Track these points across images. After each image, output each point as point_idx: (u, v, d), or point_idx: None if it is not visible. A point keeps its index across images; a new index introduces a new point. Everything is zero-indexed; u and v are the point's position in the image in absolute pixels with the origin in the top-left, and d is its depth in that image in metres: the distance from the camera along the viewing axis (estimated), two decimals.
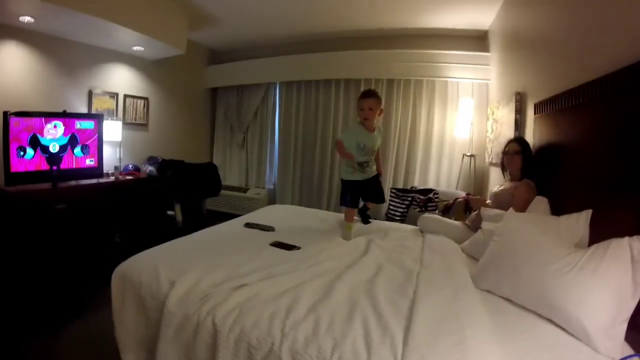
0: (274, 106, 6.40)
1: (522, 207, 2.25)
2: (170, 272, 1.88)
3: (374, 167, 3.10)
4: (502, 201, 2.59)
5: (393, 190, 4.74)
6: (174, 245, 2.43)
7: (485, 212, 2.52)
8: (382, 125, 3.39)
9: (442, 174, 5.22)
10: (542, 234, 1.71)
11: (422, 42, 5.17)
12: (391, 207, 4.66)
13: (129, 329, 1.93)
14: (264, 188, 6.46)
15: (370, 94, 2.87)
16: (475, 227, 2.65)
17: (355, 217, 3.16)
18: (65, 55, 4.43)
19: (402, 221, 4.28)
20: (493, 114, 4.15)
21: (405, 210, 4.49)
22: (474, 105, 4.82)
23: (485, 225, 2.35)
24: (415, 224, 3.18)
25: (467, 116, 4.75)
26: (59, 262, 3.45)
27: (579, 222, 1.74)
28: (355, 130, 2.95)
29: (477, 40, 4.99)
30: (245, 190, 6.39)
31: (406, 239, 2.75)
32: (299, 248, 2.39)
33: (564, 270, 1.47)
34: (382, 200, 3.23)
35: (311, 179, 6.02)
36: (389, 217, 4.57)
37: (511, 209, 2.18)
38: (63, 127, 4.04)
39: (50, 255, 3.42)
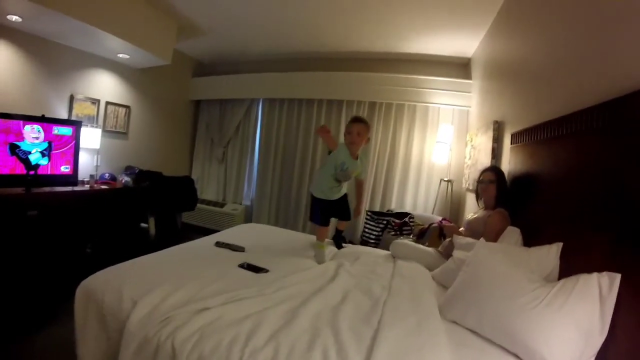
0: (256, 122, 6.37)
1: (494, 236, 2.25)
2: (134, 291, 1.83)
3: (344, 190, 3.09)
4: (475, 229, 2.61)
5: (369, 213, 4.73)
6: (141, 262, 2.37)
7: (458, 240, 2.52)
8: (365, 156, 3.40)
9: (419, 198, 5.22)
10: (511, 266, 1.70)
11: (406, 67, 5.26)
12: (366, 230, 4.65)
13: (90, 346, 1.87)
14: (241, 204, 6.39)
15: (360, 120, 2.87)
16: (447, 254, 2.63)
17: (328, 240, 3.11)
18: (49, 57, 4.36)
19: (376, 244, 4.29)
20: (472, 140, 4.20)
21: (380, 233, 4.47)
22: (454, 131, 4.88)
23: (456, 253, 2.34)
24: (389, 248, 3.13)
25: (447, 142, 4.79)
26: (30, 268, 3.37)
27: (550, 254, 1.74)
28: (343, 149, 2.90)
29: (460, 67, 5.10)
30: (222, 205, 6.32)
31: (377, 265, 2.71)
32: (267, 271, 2.32)
33: (531, 304, 1.46)
34: (349, 218, 3.20)
35: (289, 197, 5.99)
36: (364, 240, 4.56)
37: (482, 239, 2.17)
38: (43, 133, 3.95)
39: (22, 261, 3.33)
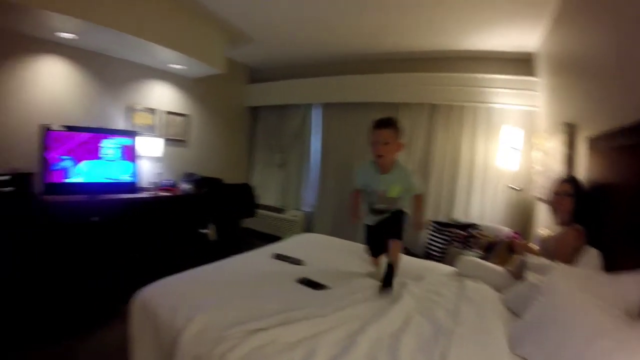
0: (313, 127, 6.30)
1: (568, 257, 2.04)
2: (189, 307, 1.84)
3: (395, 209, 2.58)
4: (548, 247, 2.35)
5: (433, 224, 4.51)
6: (198, 274, 2.38)
7: (531, 260, 2.26)
8: (403, 167, 2.58)
9: (486, 207, 4.84)
10: (591, 298, 1.48)
11: (464, 65, 4.96)
12: (430, 242, 4.44)
13: (144, 356, 1.92)
14: (301, 210, 6.34)
15: (385, 124, 2.41)
16: (518, 275, 2.37)
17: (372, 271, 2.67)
18: (106, 70, 4.55)
19: (440, 258, 4.07)
20: (541, 144, 3.85)
21: (445, 246, 4.22)
22: (520, 134, 4.51)
23: (529, 276, 2.09)
24: (453, 262, 2.90)
25: (513, 146, 4.46)
26: (89, 272, 3.51)
27: (634, 284, 1.48)
28: (366, 168, 2.58)
29: (522, 63, 4.68)
30: (282, 211, 6.32)
31: (442, 285, 2.49)
32: (326, 287, 2.24)
33: (614, 350, 1.22)
34: (398, 235, 2.51)
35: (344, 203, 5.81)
36: (428, 253, 4.35)
37: (558, 263, 1.97)
38: (113, 144, 4.17)
39: (82, 265, 3.48)
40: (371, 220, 2.65)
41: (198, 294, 2.01)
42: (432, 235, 4.42)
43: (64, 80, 4.18)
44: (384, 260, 2.52)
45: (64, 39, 3.95)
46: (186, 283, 2.19)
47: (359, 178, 2.62)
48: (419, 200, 2.62)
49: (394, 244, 2.44)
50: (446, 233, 4.26)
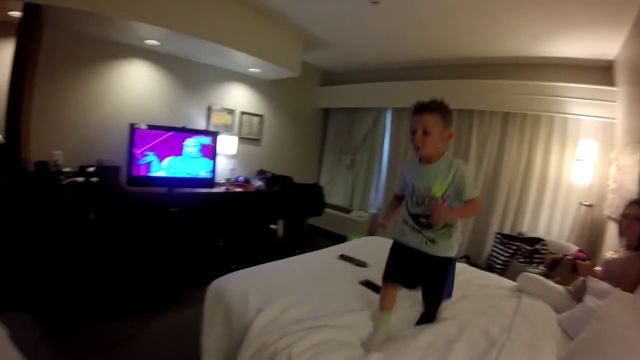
0: (384, 131, 6.35)
1: (632, 283, 1.98)
2: (259, 300, 2.02)
3: (441, 243, 1.97)
4: (613, 272, 2.26)
5: (498, 236, 4.41)
6: (268, 269, 2.56)
7: (591, 283, 2.18)
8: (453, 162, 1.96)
9: (554, 222, 4.62)
10: None
11: (540, 73, 4.74)
12: (493, 254, 4.35)
13: (213, 338, 2.12)
14: (367, 212, 6.41)
15: (427, 108, 1.91)
16: (578, 296, 2.29)
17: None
18: (187, 74, 4.93)
19: (502, 271, 3.99)
20: (617, 159, 3.61)
21: (508, 259, 4.09)
22: (596, 148, 4.27)
23: (587, 299, 2.05)
24: (515, 277, 2.80)
25: (588, 160, 4.23)
26: (166, 258, 3.80)
27: None
28: (409, 164, 2.17)
29: (601, 71, 4.38)
30: (348, 211, 6.43)
31: (500, 299, 2.46)
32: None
33: None
34: (436, 300, 2.05)
35: None
36: (489, 265, 4.28)
37: (618, 290, 1.91)
38: (194, 142, 4.51)
39: (160, 251, 3.77)
40: (404, 237, 2.10)
41: (268, 288, 2.18)
42: (496, 247, 4.33)
43: (150, 83, 4.61)
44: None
45: (150, 45, 4.34)
46: (257, 277, 2.37)
47: (401, 178, 2.19)
48: (468, 207, 1.92)
49: (434, 308, 2.08)
50: (511, 246, 4.13)
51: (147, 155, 4.18)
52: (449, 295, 2.09)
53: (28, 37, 3.25)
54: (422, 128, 1.90)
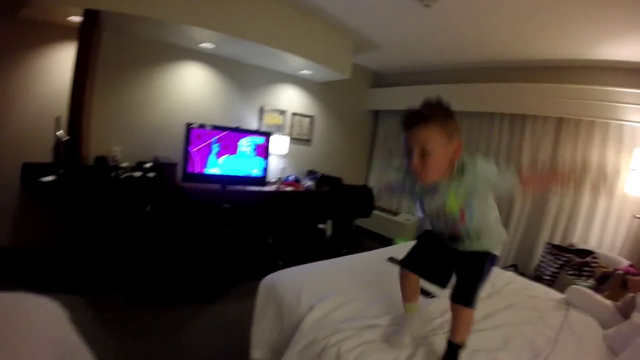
0: None
1: None
2: (311, 297, 2.11)
3: (480, 241, 1.70)
4: None
5: (548, 246, 4.29)
6: (319, 268, 2.64)
7: None
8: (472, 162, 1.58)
9: (606, 235, 4.37)
10: None
11: (595, 77, 4.51)
12: (542, 264, 4.22)
13: (264, 330, 2.23)
14: (414, 215, 6.36)
15: (418, 119, 1.49)
16: (625, 312, 2.22)
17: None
18: (240, 76, 5.12)
19: (550, 283, 3.85)
20: None
21: (557, 271, 3.95)
22: None
23: (635, 316, 2.01)
24: (563, 289, 2.73)
25: None
26: (218, 251, 3.95)
27: None
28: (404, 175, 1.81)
29: None
30: (396, 214, 6.42)
31: (547, 311, 2.41)
32: (433, 296, 2.32)
33: None
34: (468, 302, 1.67)
35: None
36: (537, 275, 4.16)
37: None
38: (248, 141, 4.71)
39: (212, 244, 3.92)
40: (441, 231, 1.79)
41: (319, 285, 2.26)
42: (546, 258, 4.20)
43: (204, 84, 4.83)
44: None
45: (205, 48, 4.54)
46: (309, 274, 2.46)
47: (398, 180, 1.89)
48: (528, 181, 1.69)
49: (460, 313, 1.68)
50: (561, 257, 4.01)
51: (202, 153, 4.41)
52: (476, 299, 1.69)
53: (88, 40, 3.46)
54: (419, 148, 1.48)
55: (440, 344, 1.76)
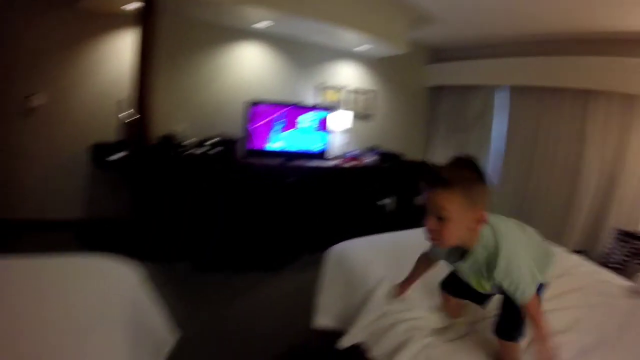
0: (497, 110, 5.97)
1: None
2: (381, 269, 2.14)
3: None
4: None
5: (617, 232, 4.00)
6: (385, 240, 2.66)
7: None
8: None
9: None
10: None
11: None
12: (610, 250, 3.98)
13: (330, 299, 2.30)
14: None
15: (437, 181, 1.36)
16: None
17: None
18: (297, 53, 5.22)
19: (618, 270, 3.43)
20: None
21: (626, 259, 3.71)
22: None
23: None
24: (632, 277, 2.61)
25: None
26: (281, 224, 4.12)
27: None
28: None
29: None
30: None
31: (617, 297, 2.25)
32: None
33: None
34: (511, 337, 1.51)
35: (524, 194, 5.33)
36: (603, 262, 3.79)
37: None
38: (308, 117, 4.83)
39: (275, 217, 4.09)
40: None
41: (388, 258, 2.26)
42: (614, 244, 3.95)
43: (262, 63, 5.00)
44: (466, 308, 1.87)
45: (261, 27, 4.62)
46: (378, 246, 2.48)
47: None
48: (530, 315, 1.46)
49: (505, 347, 1.53)
50: (631, 245, 3.76)
51: (263, 129, 4.56)
52: (521, 332, 1.52)
53: (148, 25, 3.63)
54: (435, 211, 1.36)
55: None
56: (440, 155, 6.80)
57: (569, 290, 2.18)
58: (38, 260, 1.87)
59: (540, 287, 1.58)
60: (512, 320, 1.50)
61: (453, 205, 1.32)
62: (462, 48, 6.41)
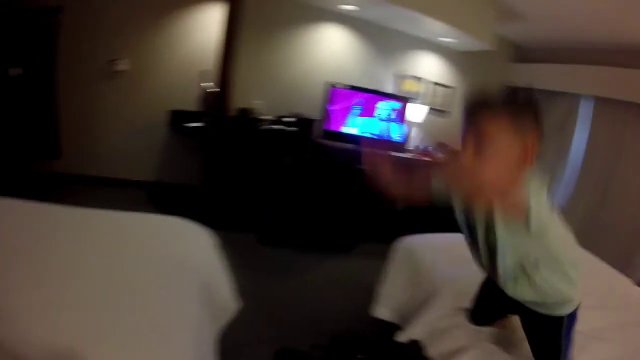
0: (580, 120, 5.62)
1: None
2: (448, 268, 2.16)
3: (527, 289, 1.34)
4: None
5: None
6: (454, 240, 2.54)
7: None
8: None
9: None
10: None
11: None
12: None
13: (393, 291, 2.35)
14: None
15: (482, 105, 1.21)
16: None
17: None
18: (379, 39, 5.17)
19: None
20: None
21: None
22: None
23: None
24: None
25: None
26: (348, 208, 4.14)
27: None
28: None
29: None
30: None
31: None
32: None
33: None
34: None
35: (595, 219, 4.89)
36: None
37: None
38: (386, 105, 4.80)
39: (341, 201, 4.11)
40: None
41: (457, 258, 2.21)
42: None
43: (344, 45, 5.01)
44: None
45: (346, 10, 4.62)
46: (443, 244, 2.48)
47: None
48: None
49: None
50: None
51: (341, 112, 4.60)
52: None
53: (235, 1, 3.75)
54: (475, 141, 1.15)
55: None
56: None
57: (633, 323, 2.04)
58: (117, 215, 1.97)
59: (570, 320, 1.41)
60: (557, 344, 1.40)
61: (499, 131, 1.11)
62: (550, 50, 6.06)
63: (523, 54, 6.49)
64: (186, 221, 2.09)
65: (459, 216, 1.43)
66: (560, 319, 1.38)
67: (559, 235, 1.31)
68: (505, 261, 1.31)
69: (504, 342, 1.70)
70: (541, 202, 1.13)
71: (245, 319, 2.19)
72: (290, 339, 2.34)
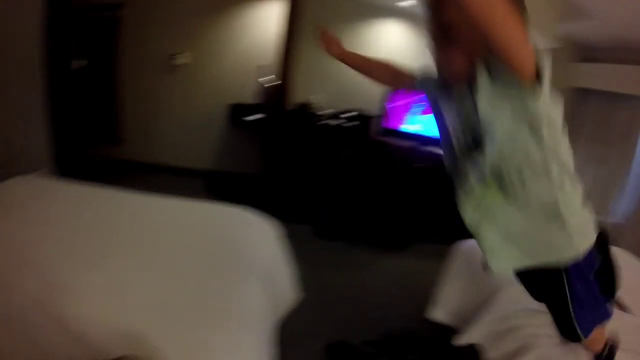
0: None
1: None
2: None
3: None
4: None
5: None
6: None
7: None
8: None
9: None
10: None
11: None
12: None
13: (450, 292, 2.30)
14: (602, 217, 5.54)
15: None
16: None
17: None
18: None
19: None
20: None
21: None
22: None
23: None
24: None
25: None
26: (402, 207, 4.11)
27: None
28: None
29: None
30: None
31: None
32: (631, 312, 1.91)
33: None
34: (571, 336, 1.36)
35: None
36: None
37: None
38: None
39: (397, 199, 4.10)
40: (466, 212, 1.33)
41: None
42: None
43: (404, 42, 4.92)
44: None
45: (405, 6, 4.52)
46: None
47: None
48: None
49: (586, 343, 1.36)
50: None
51: (401, 109, 4.52)
52: (603, 315, 1.25)
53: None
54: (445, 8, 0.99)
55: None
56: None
57: None
58: (181, 202, 2.04)
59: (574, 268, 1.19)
60: (562, 318, 1.28)
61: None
62: (619, 49, 5.74)
63: (589, 53, 6.17)
64: (251, 211, 2.14)
65: (433, 105, 1.34)
66: (558, 272, 1.19)
67: (563, 142, 1.14)
68: (494, 155, 1.11)
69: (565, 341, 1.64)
70: (548, 92, 1.03)
71: (300, 310, 2.21)
72: (343, 333, 2.39)
